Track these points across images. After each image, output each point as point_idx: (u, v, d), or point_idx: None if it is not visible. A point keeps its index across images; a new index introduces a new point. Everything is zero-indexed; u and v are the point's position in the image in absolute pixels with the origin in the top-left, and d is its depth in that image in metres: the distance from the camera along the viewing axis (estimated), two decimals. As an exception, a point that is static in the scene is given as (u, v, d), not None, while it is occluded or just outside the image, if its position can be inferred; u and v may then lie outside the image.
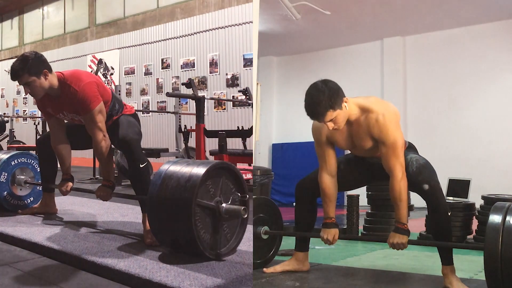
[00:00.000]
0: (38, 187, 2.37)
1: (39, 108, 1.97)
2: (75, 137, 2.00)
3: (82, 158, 3.91)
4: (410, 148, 1.54)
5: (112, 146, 1.86)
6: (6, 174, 2.28)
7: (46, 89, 1.79)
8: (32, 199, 2.39)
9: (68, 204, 2.56)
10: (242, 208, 1.47)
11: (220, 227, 1.51)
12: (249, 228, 1.64)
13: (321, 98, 1.32)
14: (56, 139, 1.98)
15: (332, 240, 1.50)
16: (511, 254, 1.12)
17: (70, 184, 2.01)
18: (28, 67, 1.73)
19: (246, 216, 1.52)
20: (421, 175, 1.41)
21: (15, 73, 1.75)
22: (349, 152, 1.60)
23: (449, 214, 1.45)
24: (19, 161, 2.34)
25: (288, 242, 1.83)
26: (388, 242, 1.41)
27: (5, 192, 2.27)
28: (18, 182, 2.31)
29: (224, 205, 1.49)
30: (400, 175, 1.38)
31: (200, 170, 1.45)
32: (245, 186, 1.59)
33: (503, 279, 1.14)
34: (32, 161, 2.39)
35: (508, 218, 1.16)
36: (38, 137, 5.94)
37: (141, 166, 1.80)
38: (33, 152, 2.49)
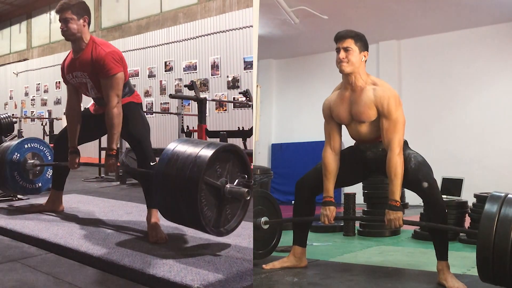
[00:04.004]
0: (47, 175, 2.41)
1: (62, 67, 2.01)
2: (89, 129, 2.04)
3: (88, 157, 3.97)
4: (405, 144, 1.57)
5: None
6: (18, 155, 2.30)
7: (78, 34, 1.86)
8: (40, 184, 2.42)
9: (75, 202, 2.59)
10: (246, 190, 1.49)
11: (223, 207, 1.52)
12: (249, 226, 1.68)
13: (352, 30, 1.52)
14: (71, 107, 2.02)
15: (330, 216, 1.55)
16: (504, 244, 1.14)
17: (78, 157, 2.03)
18: (73, 6, 1.86)
19: (249, 198, 1.52)
20: (420, 173, 1.45)
21: (61, 7, 1.87)
22: (345, 147, 1.65)
23: (446, 211, 1.49)
24: (32, 145, 2.37)
25: (287, 239, 1.88)
26: (385, 220, 1.45)
27: (15, 172, 2.30)
28: (28, 165, 2.33)
29: (228, 185, 1.50)
30: (398, 150, 1.44)
31: (209, 150, 1.46)
32: (251, 170, 1.60)
33: (494, 266, 1.16)
34: (44, 149, 2.42)
35: (503, 208, 1.18)
36: (45, 137, 6.02)
37: (151, 164, 1.83)
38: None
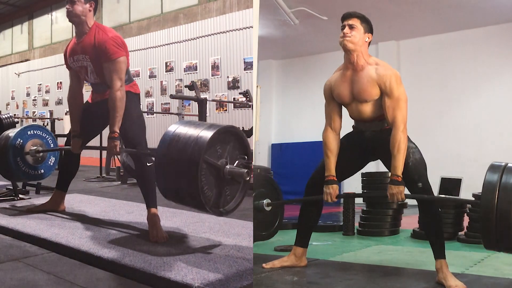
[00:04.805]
0: (50, 161, 2.44)
1: (64, 53, 2.04)
2: (89, 119, 2.03)
3: (89, 157, 3.99)
4: None
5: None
6: (21, 141, 2.32)
7: (83, 17, 1.89)
8: (43, 171, 2.43)
9: (76, 202, 2.60)
10: (245, 171, 1.49)
11: (223, 188, 1.53)
12: (249, 225, 1.69)
13: (360, 12, 1.57)
14: (73, 92, 2.05)
15: (333, 194, 1.56)
16: (506, 210, 1.16)
17: (81, 141, 2.03)
18: None
19: (248, 179, 1.52)
20: (416, 174, 1.47)
21: None
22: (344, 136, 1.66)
23: (439, 210, 1.52)
24: (35, 132, 2.39)
25: (286, 238, 1.89)
26: (388, 194, 1.48)
27: (18, 158, 2.32)
28: (31, 151, 2.35)
29: (228, 166, 1.51)
30: (401, 127, 1.46)
31: (210, 131, 1.47)
32: (250, 151, 1.60)
33: (497, 233, 1.18)
34: (47, 136, 2.44)
35: (504, 176, 1.20)
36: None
37: (148, 164, 1.84)
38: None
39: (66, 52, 2.02)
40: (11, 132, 2.35)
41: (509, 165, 1.25)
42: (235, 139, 1.56)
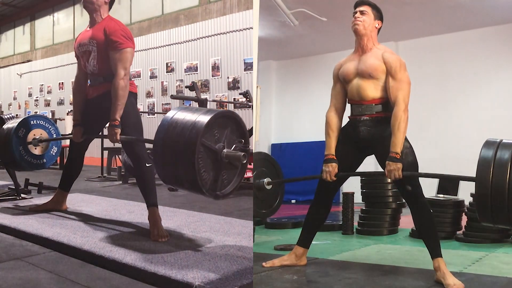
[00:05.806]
0: (52, 151, 2.47)
1: (75, 41, 2.12)
2: (89, 115, 2.04)
3: (90, 157, 4.00)
4: None
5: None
6: (24, 131, 2.36)
7: (97, 6, 1.96)
8: (45, 160, 2.47)
9: (78, 201, 2.61)
10: (242, 154, 1.50)
11: (220, 171, 1.53)
12: (249, 225, 1.70)
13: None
14: (78, 81, 2.09)
15: (332, 172, 1.59)
16: (501, 184, 1.18)
17: (82, 130, 2.06)
18: None
19: (245, 162, 1.52)
20: (406, 178, 1.48)
21: None
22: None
23: (431, 210, 1.52)
24: (38, 122, 2.43)
25: (286, 238, 1.90)
26: (386, 171, 1.50)
27: (21, 147, 2.35)
28: (34, 141, 2.38)
29: (225, 150, 1.52)
30: (403, 106, 1.51)
31: (207, 115, 1.48)
32: (248, 136, 1.62)
33: (492, 207, 1.19)
34: (50, 126, 2.47)
35: (499, 152, 1.21)
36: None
37: (146, 165, 1.85)
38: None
39: (75, 40, 2.09)
40: (14, 123, 2.38)
41: (504, 141, 1.25)
42: (233, 124, 1.58)
